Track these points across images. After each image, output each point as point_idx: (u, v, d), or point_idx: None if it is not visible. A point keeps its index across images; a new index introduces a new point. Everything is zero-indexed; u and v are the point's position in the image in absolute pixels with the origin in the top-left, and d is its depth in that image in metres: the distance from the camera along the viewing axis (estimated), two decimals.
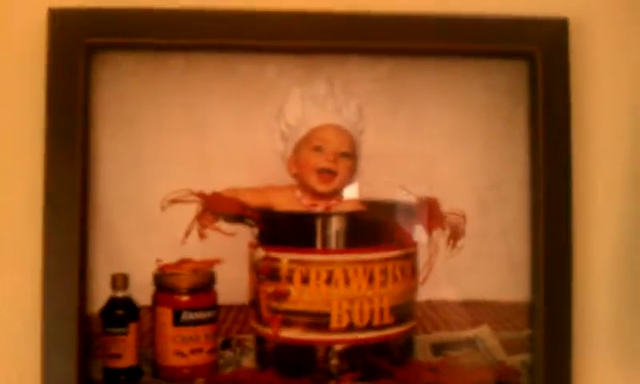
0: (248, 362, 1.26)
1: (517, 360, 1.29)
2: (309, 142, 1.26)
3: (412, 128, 1.29)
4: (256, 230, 1.26)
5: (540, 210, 1.26)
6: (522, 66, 1.30)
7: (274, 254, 1.25)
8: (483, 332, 1.29)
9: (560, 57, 1.27)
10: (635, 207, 1.31)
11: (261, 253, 1.25)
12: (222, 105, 1.26)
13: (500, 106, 1.30)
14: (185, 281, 1.24)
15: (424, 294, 1.29)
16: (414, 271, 1.28)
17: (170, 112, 1.25)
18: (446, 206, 1.28)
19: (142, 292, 1.24)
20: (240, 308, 1.27)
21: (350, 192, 1.28)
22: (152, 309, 1.25)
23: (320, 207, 1.27)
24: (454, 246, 1.28)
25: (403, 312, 1.27)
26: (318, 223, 1.26)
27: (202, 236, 1.24)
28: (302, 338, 1.24)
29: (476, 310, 1.29)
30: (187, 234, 1.24)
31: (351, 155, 1.27)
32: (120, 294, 1.23)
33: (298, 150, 1.26)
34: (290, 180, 1.27)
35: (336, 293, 1.23)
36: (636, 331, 1.32)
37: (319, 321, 1.24)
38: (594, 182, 1.31)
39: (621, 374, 1.32)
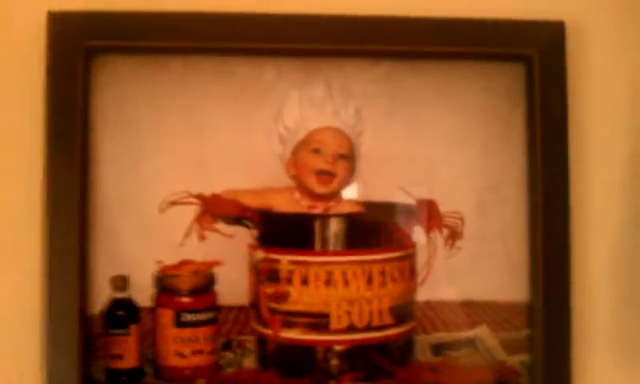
0: (249, 362, 1.27)
1: (516, 360, 1.29)
2: (307, 145, 1.27)
3: (410, 130, 1.29)
4: (255, 232, 1.26)
5: (538, 211, 1.27)
6: (519, 68, 1.30)
7: (273, 256, 1.25)
8: (483, 332, 1.30)
9: (557, 59, 1.28)
10: (633, 208, 1.31)
11: (260, 254, 1.26)
12: (220, 107, 1.26)
13: (498, 109, 1.31)
14: (185, 282, 1.25)
15: (423, 294, 1.29)
16: (412, 272, 1.28)
17: (169, 114, 1.25)
18: (444, 208, 1.28)
19: (142, 293, 1.24)
20: (240, 309, 1.27)
21: (349, 193, 1.28)
22: (153, 310, 1.25)
23: (319, 209, 1.28)
24: (452, 246, 1.28)
25: (403, 313, 1.27)
26: (317, 225, 1.26)
27: (201, 238, 1.25)
28: (302, 339, 1.25)
29: (475, 311, 1.30)
30: (187, 235, 1.24)
31: (349, 157, 1.27)
32: (120, 295, 1.23)
33: (296, 152, 1.27)
34: (288, 182, 1.27)
35: (335, 294, 1.24)
36: (635, 331, 1.32)
37: (319, 321, 1.24)
38: (592, 183, 1.31)
39: (620, 374, 1.32)
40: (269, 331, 1.25)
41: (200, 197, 1.25)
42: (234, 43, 1.24)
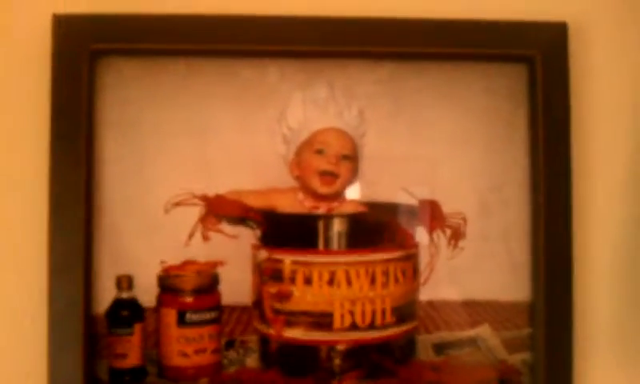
0: (251, 362, 1.27)
1: (518, 359, 1.29)
2: (310, 145, 1.27)
3: (413, 131, 1.29)
4: (259, 232, 1.26)
5: (540, 211, 1.27)
6: (522, 69, 1.30)
7: (276, 256, 1.25)
8: (484, 331, 1.30)
9: (559, 60, 1.28)
10: (635, 208, 1.31)
11: (263, 254, 1.26)
12: (223, 109, 1.26)
13: (500, 109, 1.31)
14: (189, 282, 1.25)
15: (426, 294, 1.29)
16: (415, 272, 1.29)
17: (173, 116, 1.26)
18: (447, 208, 1.29)
19: (146, 293, 1.25)
20: (243, 309, 1.28)
21: (352, 194, 1.28)
22: (156, 310, 1.25)
23: (322, 209, 1.28)
24: (455, 247, 1.29)
25: (405, 312, 1.28)
26: (320, 225, 1.27)
27: (205, 238, 1.25)
28: (305, 338, 1.25)
29: (477, 310, 1.30)
30: (191, 236, 1.25)
31: (352, 158, 1.28)
32: (125, 295, 1.24)
33: (299, 152, 1.27)
34: (292, 182, 1.28)
35: (338, 293, 1.24)
36: (637, 330, 1.32)
37: (322, 321, 1.24)
38: (594, 183, 1.31)
39: (622, 374, 1.32)
40: (272, 331, 1.26)
41: (204, 197, 1.25)
42: (237, 45, 1.24)
